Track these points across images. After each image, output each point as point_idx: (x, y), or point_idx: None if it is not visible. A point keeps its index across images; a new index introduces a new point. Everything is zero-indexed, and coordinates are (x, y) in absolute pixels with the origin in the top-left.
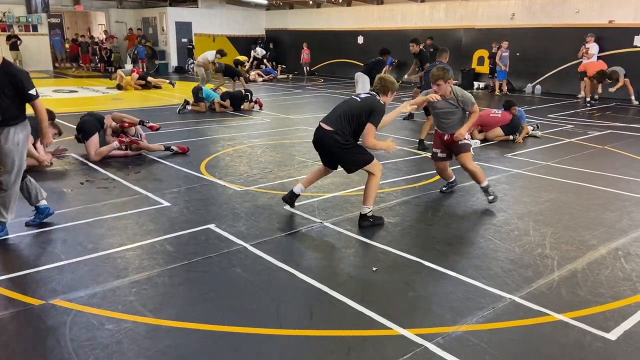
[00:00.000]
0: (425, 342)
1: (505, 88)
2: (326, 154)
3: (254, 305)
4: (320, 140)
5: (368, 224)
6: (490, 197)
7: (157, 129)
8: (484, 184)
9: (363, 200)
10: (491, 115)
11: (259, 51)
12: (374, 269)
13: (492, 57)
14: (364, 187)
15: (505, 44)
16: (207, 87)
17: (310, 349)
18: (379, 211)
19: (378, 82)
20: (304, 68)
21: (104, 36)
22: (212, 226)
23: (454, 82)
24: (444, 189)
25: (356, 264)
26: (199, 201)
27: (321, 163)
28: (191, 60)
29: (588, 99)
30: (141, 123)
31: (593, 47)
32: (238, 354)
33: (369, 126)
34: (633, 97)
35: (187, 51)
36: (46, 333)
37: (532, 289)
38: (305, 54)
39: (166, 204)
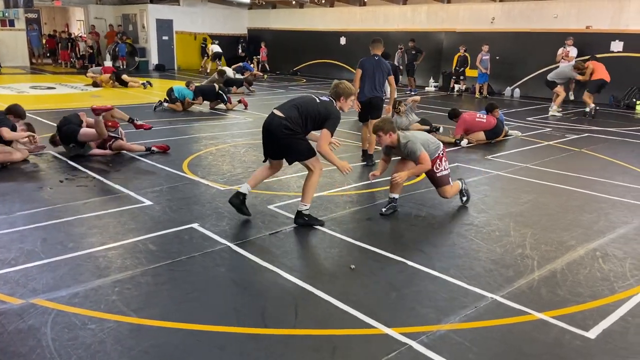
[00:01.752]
0: (409, 341)
1: (485, 91)
2: (270, 141)
3: (238, 304)
4: (269, 125)
5: (302, 222)
6: (464, 198)
7: (149, 128)
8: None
9: (301, 197)
10: (476, 119)
11: (212, 47)
12: (352, 266)
13: (460, 60)
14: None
15: (485, 48)
16: (181, 85)
17: (295, 348)
18: (364, 210)
19: (333, 87)
20: (261, 65)
21: (89, 31)
22: (195, 225)
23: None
24: (383, 210)
25: (340, 264)
26: (181, 200)
27: (264, 157)
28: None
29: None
30: (130, 121)
31: (572, 51)
32: (223, 354)
33: (324, 132)
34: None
35: (201, 49)
36: (27, 333)
37: (513, 289)
38: (264, 53)
39: (148, 202)
